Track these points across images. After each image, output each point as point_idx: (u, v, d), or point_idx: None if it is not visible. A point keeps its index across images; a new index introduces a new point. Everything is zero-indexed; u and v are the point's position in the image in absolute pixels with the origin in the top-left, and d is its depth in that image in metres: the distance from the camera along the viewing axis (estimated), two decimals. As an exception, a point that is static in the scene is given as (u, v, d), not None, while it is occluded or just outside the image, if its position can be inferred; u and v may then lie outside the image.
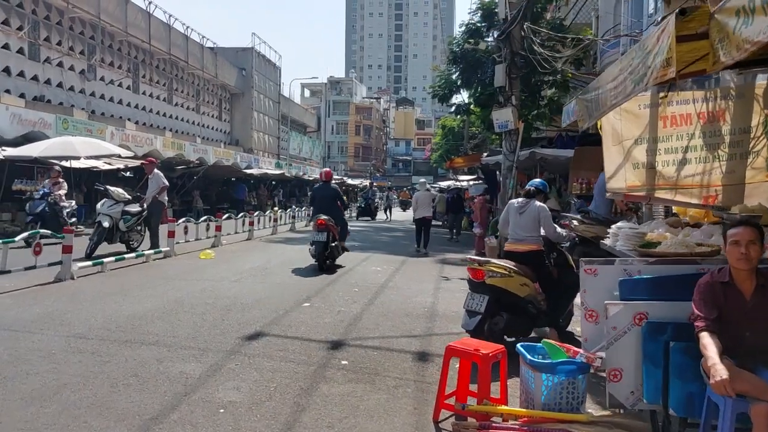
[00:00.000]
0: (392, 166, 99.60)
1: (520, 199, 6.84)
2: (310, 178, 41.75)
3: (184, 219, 13.84)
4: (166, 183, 13.06)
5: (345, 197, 15.42)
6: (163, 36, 33.58)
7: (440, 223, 23.71)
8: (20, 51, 23.08)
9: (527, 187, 7.08)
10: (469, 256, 6.19)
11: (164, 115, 35.25)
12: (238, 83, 45.32)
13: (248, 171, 32.19)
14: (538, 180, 7.33)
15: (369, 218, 30.74)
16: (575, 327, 6.68)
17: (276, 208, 20.31)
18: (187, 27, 36.69)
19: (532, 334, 6.51)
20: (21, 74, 23.07)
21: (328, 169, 13.80)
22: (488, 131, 27.59)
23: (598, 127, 7.86)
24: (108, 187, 12.45)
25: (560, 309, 6.82)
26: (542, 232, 6.69)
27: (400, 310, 7.80)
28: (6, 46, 22.27)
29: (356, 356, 5.64)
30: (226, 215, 16.40)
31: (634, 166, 7.58)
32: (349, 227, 13.19)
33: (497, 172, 25.68)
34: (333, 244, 11.53)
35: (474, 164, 23.06)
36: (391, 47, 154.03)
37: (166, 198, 13.77)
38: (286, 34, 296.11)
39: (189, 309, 7.34)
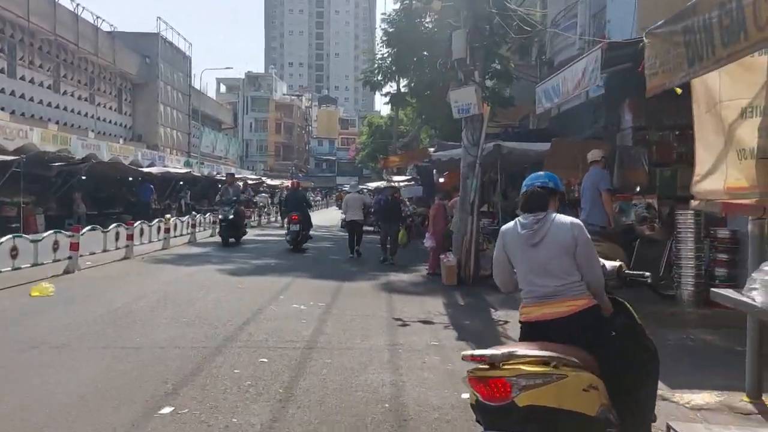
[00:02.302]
0: (315, 166, 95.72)
1: (523, 219, 3.44)
2: (224, 178, 37.28)
3: (8, 237, 9.50)
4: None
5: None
6: (46, 12, 28.50)
7: (371, 228, 20.08)
8: None
9: (527, 187, 3.57)
10: (466, 353, 2.75)
11: (49, 104, 30.18)
12: (141, 72, 40.52)
13: (146, 169, 27.61)
14: (542, 173, 3.78)
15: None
16: None
17: (168, 216, 16.04)
18: (78, 4, 31.65)
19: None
20: None
21: (295, 180, 19.84)
22: (427, 124, 24.62)
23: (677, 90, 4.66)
24: None
25: (645, 412, 3.53)
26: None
27: (341, 410, 4.32)
28: None
29: None
30: (89, 227, 12.21)
31: (739, 153, 4.41)
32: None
33: (434, 172, 22.68)
34: (303, 233, 15.58)
35: (415, 162, 19.75)
36: (312, 45, 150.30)
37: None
38: (201, 28, 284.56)
39: None
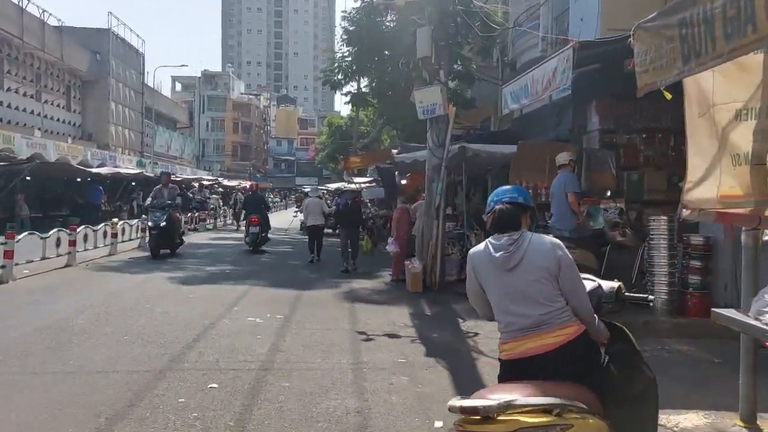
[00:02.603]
0: (274, 167, 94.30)
1: (494, 240, 3.01)
2: (178, 178, 36.16)
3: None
4: None
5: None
6: (-16, 4, 27.11)
7: (331, 230, 19.44)
8: None
9: (494, 204, 3.13)
10: (453, 404, 2.31)
11: (-10, 102, 28.75)
12: (91, 69, 39.08)
13: (95, 170, 26.42)
14: (509, 187, 3.33)
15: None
16: None
17: (116, 220, 15.05)
18: (21, -3, 30.16)
19: None
20: None
21: (254, 182, 18.85)
22: (389, 125, 24.18)
23: (663, 90, 4.29)
24: None
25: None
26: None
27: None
28: None
29: None
30: (25, 233, 11.29)
31: (733, 159, 4.08)
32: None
33: (395, 174, 22.26)
34: (262, 235, 16.01)
35: (376, 163, 19.28)
36: (270, 44, 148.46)
37: None
38: (156, 25, 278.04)
39: None
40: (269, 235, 16.85)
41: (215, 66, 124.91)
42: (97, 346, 6.09)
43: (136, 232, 16.25)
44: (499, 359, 3.00)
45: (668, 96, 4.06)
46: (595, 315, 3.01)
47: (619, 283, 3.15)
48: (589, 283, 3.16)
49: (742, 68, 3.95)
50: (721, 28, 3.05)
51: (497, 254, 2.94)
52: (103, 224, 14.33)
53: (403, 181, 21.96)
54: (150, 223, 13.71)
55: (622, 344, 3.09)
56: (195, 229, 22.42)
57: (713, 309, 3.70)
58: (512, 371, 2.86)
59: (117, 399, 4.58)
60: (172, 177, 36.19)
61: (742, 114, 4.00)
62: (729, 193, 4.06)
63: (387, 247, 11.41)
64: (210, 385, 4.94)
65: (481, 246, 3.10)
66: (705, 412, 4.54)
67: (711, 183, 4.09)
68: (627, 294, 3.16)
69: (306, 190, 19.42)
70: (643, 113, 10.47)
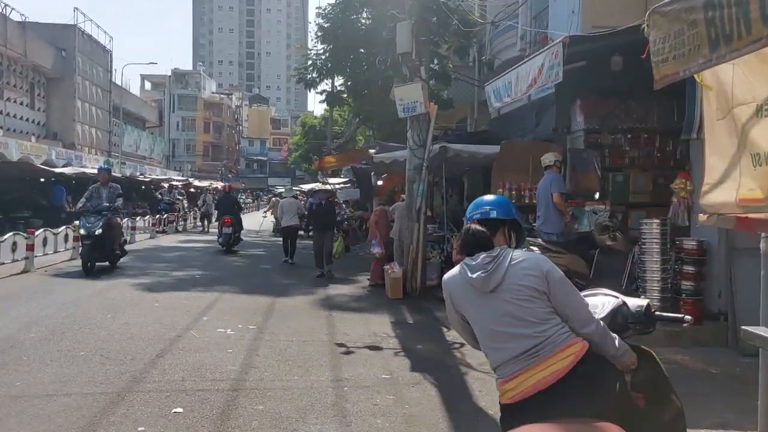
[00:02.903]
0: (246, 167, 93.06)
1: (471, 260, 2.63)
2: (147, 179, 35.24)
3: None
4: None
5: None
6: (-59, -5, 25.95)
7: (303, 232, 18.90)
8: None
9: (474, 215, 2.84)
10: None
11: (-53, 98, 27.57)
12: (56, 66, 37.80)
13: (58, 170, 25.44)
14: (488, 198, 2.93)
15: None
16: None
17: (78, 222, 14.22)
18: (-20, -11, 29.02)
19: None
20: None
21: (228, 183, 20.14)
22: (364, 124, 23.73)
23: (699, 80, 3.93)
24: None
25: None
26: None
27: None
28: None
29: None
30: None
31: (754, 159, 3.71)
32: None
33: (372, 174, 21.81)
34: (235, 235, 16.15)
35: (353, 163, 18.79)
36: (242, 43, 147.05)
37: None
38: (124, 23, 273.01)
39: None
40: (241, 236, 16.98)
41: (186, 65, 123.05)
42: (50, 364, 5.51)
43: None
44: (501, 404, 2.55)
45: (710, 88, 3.71)
46: (616, 336, 2.60)
47: (648, 300, 2.75)
48: (612, 300, 2.76)
49: (764, 60, 3.60)
50: (758, 10, 2.68)
51: (474, 275, 2.54)
52: (64, 227, 13.52)
53: (380, 182, 21.54)
54: (82, 231, 11.28)
55: (649, 371, 2.69)
56: (164, 231, 21.67)
57: (743, 327, 3.32)
58: (520, 415, 2.41)
59: (67, 428, 4.04)
60: (141, 178, 35.60)
61: (764, 110, 3.65)
62: (749, 196, 3.69)
63: (372, 249, 10.94)
64: (174, 410, 4.43)
65: (455, 270, 2.70)
66: (715, 432, 4.20)
67: (730, 185, 3.73)
68: (658, 313, 2.75)
69: (279, 190, 19.00)
70: (629, 113, 10.18)
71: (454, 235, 12.26)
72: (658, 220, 7.16)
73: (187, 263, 13.36)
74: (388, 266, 10.05)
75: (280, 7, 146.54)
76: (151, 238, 18.89)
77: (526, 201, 10.10)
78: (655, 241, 7.12)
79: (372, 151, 12.57)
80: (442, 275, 9.40)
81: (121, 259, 12.35)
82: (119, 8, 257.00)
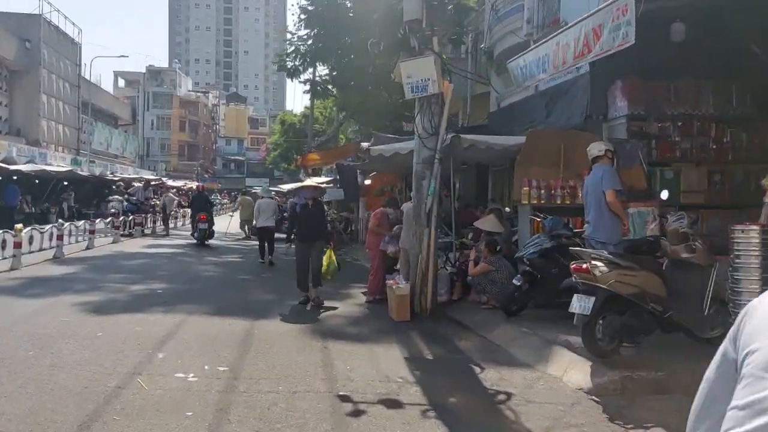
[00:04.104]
0: (223, 167, 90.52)
1: None
2: (116, 178, 32.98)
3: None
4: None
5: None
6: None
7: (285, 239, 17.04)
8: None
9: None
10: None
11: None
12: (19, 57, 35.66)
13: (14, 167, 23.22)
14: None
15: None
16: None
17: (19, 226, 11.96)
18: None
19: None
20: None
21: (201, 184, 24.86)
22: (352, 118, 21.90)
23: None
24: None
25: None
26: None
27: None
28: None
29: None
30: None
31: None
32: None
33: (358, 173, 19.97)
34: (210, 230, 17.71)
35: (339, 160, 16.93)
36: (220, 42, 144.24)
37: None
38: (100, 21, 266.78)
39: None
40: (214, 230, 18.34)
41: (162, 64, 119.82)
42: None
43: (50, 240, 13.35)
44: None
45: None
46: None
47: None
48: None
49: None
50: None
51: None
52: (2, 231, 11.39)
53: (367, 181, 19.72)
54: None
55: None
56: (130, 235, 19.58)
57: None
58: None
59: None
60: (111, 177, 33.31)
61: None
62: None
63: (387, 248, 9.15)
64: None
65: None
66: None
67: None
68: None
69: (255, 190, 17.50)
70: (679, 96, 8.57)
71: (464, 241, 10.55)
72: (756, 227, 5.49)
73: (151, 273, 11.38)
74: (391, 280, 8.25)
75: (258, 5, 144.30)
76: (114, 242, 16.80)
77: (558, 201, 8.41)
78: (755, 253, 5.44)
79: (365, 144, 10.70)
80: (453, 289, 7.26)
81: (72, 270, 10.36)
82: (94, 5, 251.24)
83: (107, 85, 68.22)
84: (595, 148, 6.71)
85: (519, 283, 7.40)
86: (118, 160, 51.09)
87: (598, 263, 5.45)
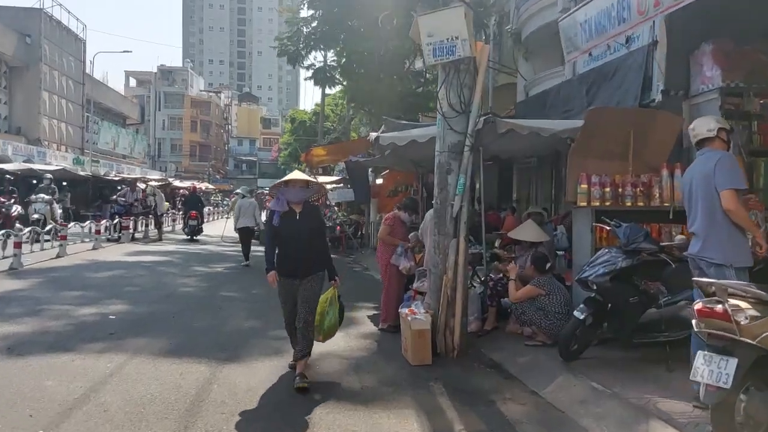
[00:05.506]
0: (235, 167, 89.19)
1: None
2: (117, 178, 31.27)
3: None
4: None
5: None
6: None
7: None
8: None
9: None
10: None
11: None
12: (19, 53, 34.41)
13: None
14: None
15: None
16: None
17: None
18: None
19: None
20: None
21: (192, 185, 29.50)
22: (363, 109, 19.84)
23: None
24: None
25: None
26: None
27: None
28: None
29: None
30: None
31: None
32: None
33: (369, 171, 17.91)
34: (200, 226, 20.21)
35: (348, 157, 14.80)
36: (233, 42, 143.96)
37: None
38: (115, 21, 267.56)
39: None
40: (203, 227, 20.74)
41: (176, 65, 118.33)
42: None
43: (3, 248, 11.36)
44: None
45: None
46: None
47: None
48: None
49: None
50: None
51: None
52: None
53: (379, 180, 17.71)
54: None
55: None
56: (117, 240, 17.67)
57: None
58: None
59: None
60: (113, 177, 31.56)
61: None
62: None
63: (399, 263, 7.13)
64: None
65: None
66: None
67: None
68: None
69: (238, 191, 15.85)
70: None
71: (496, 252, 8.50)
72: None
73: (115, 291, 9.29)
74: (407, 309, 6.17)
75: (271, 5, 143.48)
76: (93, 249, 14.87)
77: (629, 203, 6.32)
78: None
79: (373, 134, 8.63)
80: (484, 314, 4.78)
81: (20, 285, 8.44)
82: (106, 7, 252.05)
83: (117, 84, 67.16)
84: (703, 127, 4.60)
85: (582, 316, 5.34)
86: (125, 160, 49.67)
87: (742, 304, 3.37)
